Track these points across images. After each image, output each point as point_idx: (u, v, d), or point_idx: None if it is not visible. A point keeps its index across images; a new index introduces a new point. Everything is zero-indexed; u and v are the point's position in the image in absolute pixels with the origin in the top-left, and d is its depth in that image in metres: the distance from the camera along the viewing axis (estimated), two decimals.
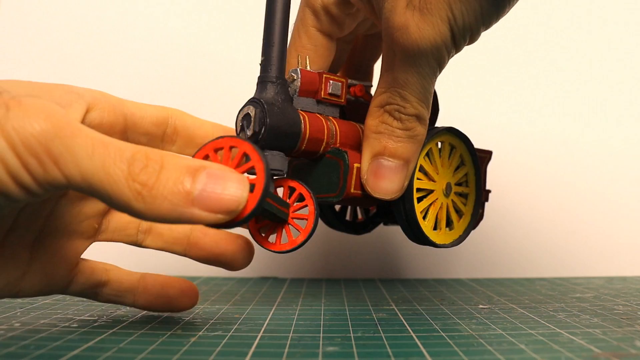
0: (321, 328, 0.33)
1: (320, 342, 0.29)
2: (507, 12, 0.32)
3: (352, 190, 0.35)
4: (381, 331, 0.32)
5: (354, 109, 0.40)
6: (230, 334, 0.31)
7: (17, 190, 0.24)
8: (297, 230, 0.33)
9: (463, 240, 0.38)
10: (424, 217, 0.36)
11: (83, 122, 0.30)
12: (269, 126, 0.32)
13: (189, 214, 0.25)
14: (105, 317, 0.35)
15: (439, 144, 0.38)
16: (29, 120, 0.24)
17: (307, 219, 0.33)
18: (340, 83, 0.36)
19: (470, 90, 0.61)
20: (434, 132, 0.36)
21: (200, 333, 0.31)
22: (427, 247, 0.37)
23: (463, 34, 0.31)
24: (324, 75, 0.36)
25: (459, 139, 0.38)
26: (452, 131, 0.37)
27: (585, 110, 0.62)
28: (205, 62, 0.60)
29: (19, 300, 0.41)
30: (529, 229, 0.59)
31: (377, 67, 0.39)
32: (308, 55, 0.38)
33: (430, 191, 0.37)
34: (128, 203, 0.24)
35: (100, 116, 0.31)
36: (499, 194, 0.58)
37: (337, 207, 0.45)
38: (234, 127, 0.34)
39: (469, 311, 0.38)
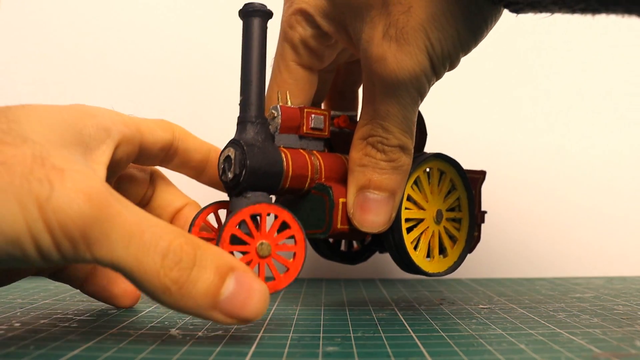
0: (321, 328, 0.33)
1: (320, 342, 0.29)
2: (486, 35, 0.32)
3: (338, 226, 0.34)
4: (381, 331, 0.32)
5: (340, 140, 0.39)
6: (230, 334, 0.31)
7: (38, 260, 0.24)
8: (283, 263, 0.31)
9: (458, 267, 0.38)
10: (416, 247, 0.36)
11: (111, 159, 0.31)
12: (249, 168, 0.32)
13: (209, 315, 0.26)
14: (105, 317, 0.35)
15: (428, 169, 0.37)
16: (70, 202, 0.23)
17: (294, 251, 0.31)
18: (322, 116, 0.36)
19: (461, 98, 0.61)
20: (420, 159, 0.36)
21: (200, 333, 0.31)
22: None
23: (442, 62, 0.31)
24: (306, 110, 0.36)
25: (447, 164, 0.37)
26: (439, 157, 0.37)
27: (585, 113, 0.62)
28: (206, 63, 0.60)
29: (19, 300, 0.41)
30: (528, 229, 0.59)
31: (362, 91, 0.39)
32: (290, 89, 0.37)
33: (421, 220, 0.36)
34: (155, 294, 0.25)
35: (122, 151, 0.32)
36: (499, 193, 0.59)
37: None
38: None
39: (469, 311, 0.38)
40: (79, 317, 0.35)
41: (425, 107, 0.36)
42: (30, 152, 0.24)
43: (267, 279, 0.30)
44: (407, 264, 0.36)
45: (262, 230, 0.30)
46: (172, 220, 0.37)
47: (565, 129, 0.61)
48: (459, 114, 0.60)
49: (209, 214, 0.35)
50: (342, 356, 0.26)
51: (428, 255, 0.37)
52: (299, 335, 0.31)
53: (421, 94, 0.32)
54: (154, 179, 0.38)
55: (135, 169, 0.37)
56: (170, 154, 0.36)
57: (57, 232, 0.23)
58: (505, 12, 0.31)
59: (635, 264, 0.60)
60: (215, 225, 0.36)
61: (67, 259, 0.24)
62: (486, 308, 0.40)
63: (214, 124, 0.56)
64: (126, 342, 0.29)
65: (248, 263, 0.30)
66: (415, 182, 0.36)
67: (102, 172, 0.29)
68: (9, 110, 0.26)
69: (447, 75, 0.33)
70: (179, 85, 0.59)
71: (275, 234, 0.31)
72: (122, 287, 0.37)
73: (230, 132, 0.34)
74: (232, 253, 0.29)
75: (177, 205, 0.37)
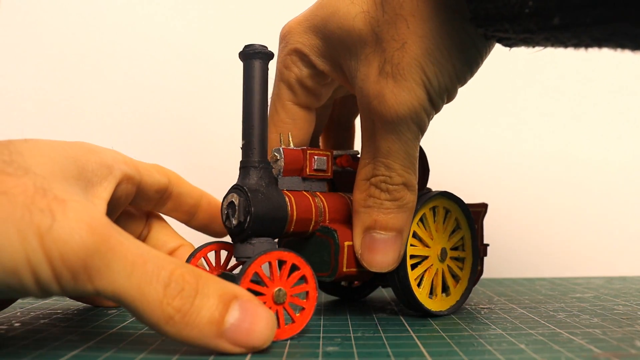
0: (321, 328, 0.33)
1: (320, 342, 0.29)
2: (481, 65, 0.32)
3: (344, 269, 0.34)
4: (381, 331, 0.32)
5: (343, 179, 0.39)
6: None
7: (36, 292, 0.24)
8: (298, 304, 0.31)
9: (461, 306, 0.38)
10: (419, 284, 0.36)
11: (112, 197, 0.31)
12: (254, 215, 0.32)
13: (215, 344, 0.25)
14: (105, 317, 0.35)
15: (434, 207, 0.37)
16: (72, 233, 0.23)
17: (307, 290, 0.31)
18: (325, 157, 0.36)
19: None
20: (427, 197, 0.36)
21: None
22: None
23: (440, 95, 0.31)
24: (308, 152, 0.35)
25: (453, 202, 0.37)
26: (445, 195, 0.37)
27: (585, 114, 0.62)
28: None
29: (19, 300, 0.41)
30: (529, 229, 0.59)
31: (358, 120, 0.38)
32: (288, 129, 0.37)
33: (425, 257, 0.36)
34: (158, 325, 0.25)
35: (123, 190, 0.32)
36: (500, 193, 0.59)
37: None
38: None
39: (469, 311, 0.38)
40: (79, 317, 0.35)
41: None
42: (32, 183, 0.24)
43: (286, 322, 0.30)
44: (410, 301, 0.35)
45: (275, 277, 0.30)
46: None
47: (566, 132, 0.61)
48: (460, 114, 0.60)
49: (204, 254, 0.35)
50: (342, 356, 0.26)
51: (431, 293, 0.37)
52: (299, 335, 0.31)
53: (421, 129, 0.32)
54: (149, 219, 0.38)
55: (132, 207, 0.37)
56: (164, 198, 0.37)
57: (57, 263, 0.23)
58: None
59: (635, 264, 0.60)
60: (209, 265, 0.35)
61: (66, 291, 0.24)
62: (486, 308, 0.40)
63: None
64: (126, 342, 0.29)
65: None
66: (421, 219, 0.36)
67: (103, 207, 0.29)
68: (12, 144, 0.26)
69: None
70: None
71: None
72: None
73: (233, 176, 0.34)
74: None
75: (172, 245, 0.37)
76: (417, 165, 0.34)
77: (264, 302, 0.29)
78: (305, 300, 0.31)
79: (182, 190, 0.37)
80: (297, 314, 0.30)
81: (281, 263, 0.30)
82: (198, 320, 0.25)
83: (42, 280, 0.23)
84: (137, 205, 0.36)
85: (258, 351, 0.27)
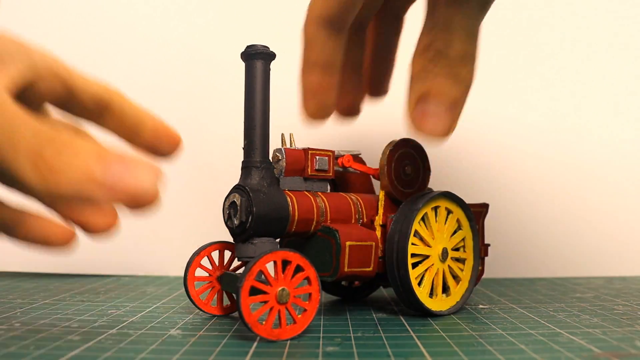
0: (321, 328, 0.33)
1: (320, 342, 0.29)
2: None
3: (345, 269, 0.34)
4: (381, 331, 0.32)
5: (343, 179, 0.39)
6: (230, 334, 0.31)
7: None
8: (301, 305, 0.31)
9: (461, 307, 0.38)
10: (420, 284, 0.36)
11: (32, 90, 0.30)
12: (255, 215, 0.32)
13: (88, 189, 0.24)
14: (105, 317, 0.35)
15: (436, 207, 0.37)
16: None
17: (310, 292, 0.31)
18: (326, 157, 0.36)
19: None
20: (429, 196, 0.36)
21: (201, 333, 0.31)
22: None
23: None
24: (310, 152, 0.35)
25: (455, 203, 0.37)
26: (447, 195, 0.37)
27: (585, 115, 0.62)
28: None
29: (19, 300, 0.41)
30: (529, 229, 0.59)
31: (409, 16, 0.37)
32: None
33: (426, 256, 0.36)
34: (23, 177, 0.24)
35: (46, 87, 0.31)
36: (500, 194, 0.59)
37: None
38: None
39: (469, 311, 0.38)
40: (78, 317, 0.35)
41: None
42: None
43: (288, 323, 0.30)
44: (410, 300, 0.36)
45: (280, 276, 0.30)
46: None
47: (566, 133, 0.61)
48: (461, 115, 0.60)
49: (206, 254, 0.35)
50: (342, 356, 0.26)
51: (431, 294, 0.37)
52: (299, 335, 0.31)
53: (484, 4, 0.31)
54: None
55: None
56: (102, 109, 0.35)
57: None
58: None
59: (635, 264, 0.60)
60: (212, 264, 0.36)
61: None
62: (486, 308, 0.40)
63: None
64: (126, 342, 0.29)
65: (270, 310, 0.30)
66: (423, 219, 0.36)
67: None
68: None
69: None
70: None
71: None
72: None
73: (235, 176, 0.34)
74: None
75: None
76: (477, 44, 0.32)
77: (268, 301, 0.29)
78: (307, 302, 0.31)
79: (125, 106, 0.35)
80: (299, 315, 0.30)
81: (285, 263, 0.30)
82: (68, 169, 0.24)
83: None
84: (73, 112, 0.34)
85: (258, 351, 0.27)
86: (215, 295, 0.36)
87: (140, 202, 0.25)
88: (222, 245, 0.35)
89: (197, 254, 0.35)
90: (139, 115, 0.36)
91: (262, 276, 0.30)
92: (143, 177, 0.25)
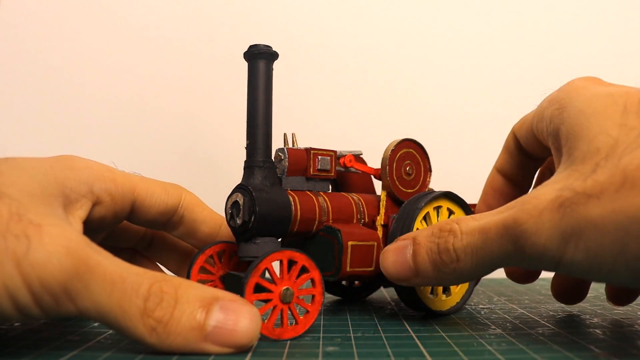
0: (321, 328, 0.33)
1: (320, 342, 0.29)
2: None
3: (347, 269, 0.34)
4: (381, 331, 0.32)
5: (344, 179, 0.39)
6: None
7: (17, 316, 0.24)
8: (304, 306, 0.31)
9: (461, 307, 0.38)
10: None
11: (87, 217, 0.30)
12: (258, 215, 0.32)
13: (200, 348, 0.25)
14: None
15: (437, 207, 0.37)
16: (50, 257, 0.23)
17: (313, 294, 0.31)
18: (328, 157, 0.36)
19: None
20: (431, 196, 0.36)
21: None
22: None
23: None
24: (312, 152, 0.35)
25: (456, 204, 0.37)
26: (448, 196, 0.37)
27: None
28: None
29: None
30: None
31: None
32: None
33: None
34: (142, 338, 0.25)
35: (105, 210, 0.31)
36: None
37: None
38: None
39: (469, 311, 0.38)
40: (79, 317, 0.35)
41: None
42: (6, 209, 0.24)
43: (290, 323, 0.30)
44: (412, 299, 0.36)
45: (285, 276, 0.30)
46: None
47: None
48: (463, 116, 0.60)
49: (208, 255, 0.35)
50: (342, 356, 0.26)
51: (431, 293, 0.37)
52: (299, 335, 0.31)
53: None
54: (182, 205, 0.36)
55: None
56: (173, 221, 0.35)
57: (36, 288, 0.23)
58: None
59: None
60: (216, 264, 0.36)
61: (48, 314, 0.24)
62: (486, 308, 0.40)
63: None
64: (126, 342, 0.29)
65: (273, 309, 0.30)
66: (424, 219, 0.36)
67: (79, 225, 0.29)
68: None
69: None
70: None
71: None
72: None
73: (237, 175, 0.33)
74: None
75: (212, 225, 0.37)
76: None
77: (271, 299, 0.29)
78: (310, 304, 0.31)
79: (197, 216, 0.36)
80: (301, 317, 0.30)
81: (290, 263, 0.30)
82: (180, 328, 0.25)
83: (22, 306, 0.23)
84: (139, 224, 0.35)
85: (250, 349, 0.27)
86: None
87: (244, 349, 0.26)
88: (225, 246, 0.35)
89: (201, 253, 0.35)
90: (212, 224, 0.37)
91: (267, 275, 0.30)
92: (245, 326, 0.26)
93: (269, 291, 0.29)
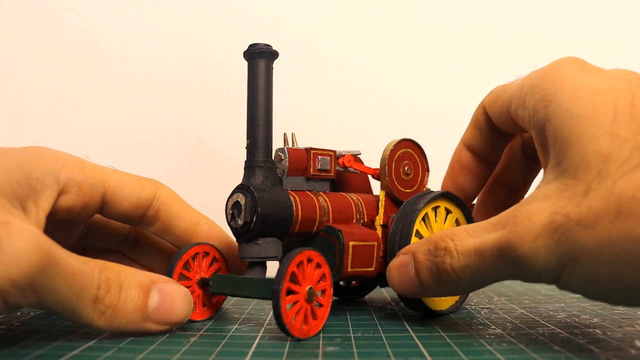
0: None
1: (320, 342, 0.29)
2: None
3: (348, 269, 0.34)
4: (381, 331, 0.32)
5: (342, 179, 0.39)
6: (230, 334, 0.31)
7: None
8: (319, 302, 0.31)
9: (460, 306, 0.38)
10: None
11: (53, 206, 0.30)
12: (260, 215, 0.32)
13: (143, 327, 0.29)
14: None
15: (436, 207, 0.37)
16: (20, 254, 0.24)
17: (325, 288, 0.31)
18: (328, 157, 0.36)
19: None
20: (430, 196, 0.36)
21: (201, 333, 0.31)
22: None
23: None
24: (312, 152, 0.35)
25: (454, 204, 0.38)
26: (447, 196, 0.37)
27: None
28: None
29: None
30: None
31: None
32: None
33: None
34: (91, 322, 0.27)
35: (72, 200, 0.31)
36: None
37: None
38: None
39: (469, 311, 0.38)
40: None
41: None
42: None
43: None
44: (411, 299, 0.36)
45: (307, 275, 0.30)
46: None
47: None
48: (462, 116, 0.60)
49: (188, 257, 0.34)
50: (342, 356, 0.26)
51: None
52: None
53: None
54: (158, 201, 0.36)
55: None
56: (149, 216, 0.35)
57: (5, 284, 0.24)
58: None
59: None
60: (192, 269, 0.35)
61: (10, 307, 0.25)
62: (486, 308, 0.40)
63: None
64: (126, 342, 0.29)
65: (298, 311, 0.30)
66: (423, 219, 0.36)
67: (42, 218, 0.29)
68: None
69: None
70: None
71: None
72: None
73: (237, 175, 0.33)
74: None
75: (188, 221, 0.37)
76: None
77: (297, 301, 0.29)
78: (322, 297, 0.31)
79: (173, 211, 0.35)
80: (319, 310, 0.31)
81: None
82: (125, 311, 0.28)
83: None
84: (112, 218, 0.35)
85: (250, 349, 0.27)
86: (195, 300, 0.35)
87: (179, 325, 0.30)
88: (201, 248, 0.34)
89: (179, 257, 0.33)
90: (190, 220, 0.37)
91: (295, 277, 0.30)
92: (180, 306, 0.30)
93: (296, 293, 0.29)
